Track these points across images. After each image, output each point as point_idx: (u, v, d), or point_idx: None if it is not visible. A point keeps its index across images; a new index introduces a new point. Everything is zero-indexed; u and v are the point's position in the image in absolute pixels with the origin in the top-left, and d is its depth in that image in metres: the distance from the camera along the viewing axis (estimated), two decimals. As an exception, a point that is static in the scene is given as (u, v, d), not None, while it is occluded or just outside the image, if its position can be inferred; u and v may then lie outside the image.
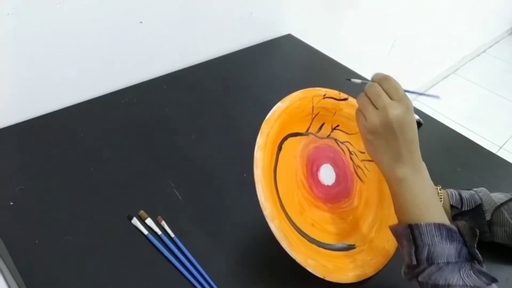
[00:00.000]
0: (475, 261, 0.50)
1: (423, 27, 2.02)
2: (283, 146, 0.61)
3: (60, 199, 0.67)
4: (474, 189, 0.68)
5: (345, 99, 0.67)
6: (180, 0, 0.93)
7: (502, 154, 2.09)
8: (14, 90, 0.78)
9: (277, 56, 1.16)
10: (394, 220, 0.64)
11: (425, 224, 0.51)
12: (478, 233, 0.51)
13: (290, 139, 0.63)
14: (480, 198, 0.65)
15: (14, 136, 0.77)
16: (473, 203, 0.65)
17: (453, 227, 0.51)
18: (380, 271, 0.62)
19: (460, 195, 0.66)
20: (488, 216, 0.64)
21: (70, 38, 0.80)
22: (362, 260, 0.61)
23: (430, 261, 0.49)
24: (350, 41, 1.58)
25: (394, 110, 0.51)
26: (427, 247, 0.50)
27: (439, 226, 0.50)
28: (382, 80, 0.53)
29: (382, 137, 0.53)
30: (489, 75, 2.87)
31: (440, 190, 0.67)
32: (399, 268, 0.55)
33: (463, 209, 0.65)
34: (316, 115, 0.65)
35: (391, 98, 0.52)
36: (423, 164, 0.55)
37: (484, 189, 0.67)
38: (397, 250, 0.63)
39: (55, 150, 0.75)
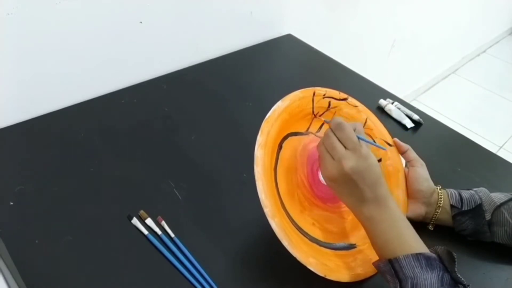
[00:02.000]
0: (460, 286, 0.49)
1: (423, 27, 2.02)
2: (283, 145, 0.61)
3: (60, 199, 0.67)
4: (474, 189, 0.68)
5: (344, 99, 0.67)
6: (180, 0, 0.93)
7: (502, 154, 2.09)
8: (14, 90, 0.78)
9: (277, 56, 1.16)
10: None
11: (403, 256, 0.51)
12: (455, 257, 0.50)
13: (290, 138, 0.63)
14: (480, 198, 0.65)
15: (14, 136, 0.77)
16: (473, 203, 0.65)
17: (432, 254, 0.51)
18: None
19: (460, 195, 0.66)
20: (488, 216, 0.64)
21: (70, 38, 0.80)
22: (362, 259, 0.61)
23: None
24: (350, 41, 1.58)
25: (349, 162, 0.53)
26: (409, 279, 0.50)
27: (418, 256, 0.50)
28: (336, 129, 0.55)
29: (343, 184, 0.55)
30: (489, 75, 2.87)
31: (440, 190, 0.67)
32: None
33: (463, 209, 0.65)
34: (316, 114, 0.65)
35: (345, 147, 0.54)
36: (390, 197, 0.56)
37: (484, 189, 0.67)
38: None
39: (55, 150, 0.76)
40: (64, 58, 0.81)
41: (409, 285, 0.50)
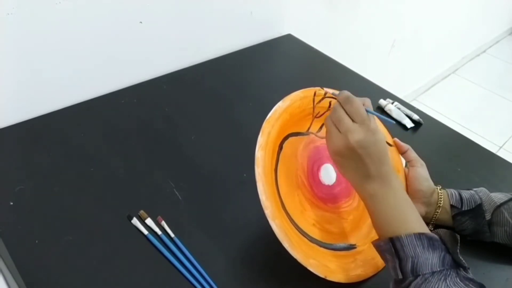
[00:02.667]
0: (461, 268, 0.49)
1: (423, 27, 2.02)
2: (284, 145, 0.61)
3: (60, 199, 0.67)
4: (474, 189, 0.68)
5: None
6: (180, 0, 0.93)
7: (502, 154, 2.09)
8: (14, 90, 0.78)
9: (277, 56, 1.16)
10: None
11: (405, 235, 0.50)
12: (459, 239, 0.50)
13: (291, 139, 0.63)
14: (480, 198, 0.65)
15: (14, 136, 0.77)
16: (473, 203, 0.65)
17: (434, 235, 0.51)
18: (380, 270, 0.62)
19: (460, 195, 0.66)
20: (488, 216, 0.64)
21: (70, 38, 0.80)
22: (363, 260, 0.61)
23: (415, 273, 0.49)
24: (350, 41, 1.58)
25: (355, 135, 0.52)
26: (410, 259, 0.49)
27: (420, 236, 0.50)
28: (344, 102, 0.54)
29: (348, 158, 0.54)
30: (489, 75, 2.87)
31: (440, 190, 0.67)
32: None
33: (463, 209, 0.65)
34: (317, 114, 0.65)
35: (353, 121, 0.53)
36: (395, 176, 0.55)
37: (484, 189, 0.67)
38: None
39: (55, 150, 0.76)
40: (64, 58, 0.81)
41: (409, 264, 0.49)
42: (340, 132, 0.54)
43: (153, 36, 0.93)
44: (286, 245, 0.53)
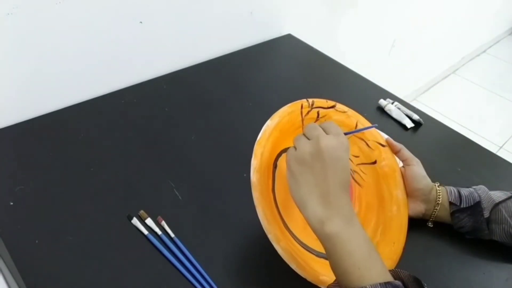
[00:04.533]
0: None
1: (423, 27, 2.02)
2: (278, 163, 0.61)
3: (60, 199, 0.67)
4: (473, 186, 0.68)
5: (332, 107, 0.66)
6: (180, 0, 0.93)
7: (502, 154, 2.09)
8: (14, 90, 0.78)
9: (277, 56, 1.16)
10: (397, 222, 0.64)
11: (371, 286, 0.43)
12: (424, 284, 0.45)
13: (284, 155, 0.62)
14: (479, 196, 0.65)
15: (14, 136, 0.77)
16: (471, 200, 0.65)
17: (398, 282, 0.44)
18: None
19: (459, 192, 0.67)
20: (486, 214, 0.64)
21: (70, 38, 0.80)
22: None
23: None
24: (350, 41, 1.58)
25: (327, 140, 0.48)
26: None
27: (386, 285, 0.43)
28: (322, 123, 0.52)
29: (308, 168, 0.48)
30: (489, 75, 2.87)
31: (438, 186, 0.67)
32: (407, 269, 0.55)
33: (462, 206, 0.65)
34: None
35: (326, 133, 0.50)
36: (354, 214, 0.48)
37: (483, 187, 0.68)
38: (404, 251, 0.63)
39: (55, 150, 0.76)
40: (64, 58, 0.81)
41: None
42: (308, 139, 0.50)
43: (153, 36, 0.93)
44: (293, 266, 0.53)
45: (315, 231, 0.48)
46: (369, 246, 0.47)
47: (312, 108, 0.64)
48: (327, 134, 0.50)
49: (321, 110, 0.65)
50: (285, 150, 0.63)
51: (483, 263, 0.68)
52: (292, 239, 0.57)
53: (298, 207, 0.49)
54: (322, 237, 0.47)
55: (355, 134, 0.67)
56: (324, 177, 0.47)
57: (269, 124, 0.59)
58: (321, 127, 0.51)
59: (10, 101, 0.78)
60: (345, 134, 0.52)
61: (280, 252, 0.53)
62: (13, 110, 0.79)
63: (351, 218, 0.48)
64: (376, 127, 0.63)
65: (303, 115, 0.63)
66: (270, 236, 0.53)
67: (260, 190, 0.54)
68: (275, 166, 0.61)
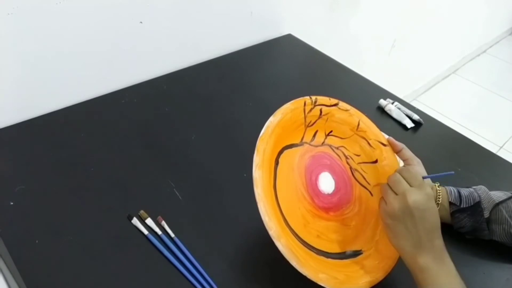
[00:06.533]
0: None
1: (423, 27, 2.02)
2: (279, 160, 0.61)
3: (60, 199, 0.67)
4: (473, 186, 0.68)
5: (335, 105, 0.67)
6: (180, 0, 0.93)
7: (502, 154, 2.09)
8: (14, 90, 0.78)
9: (277, 56, 1.16)
10: None
11: None
12: None
13: (286, 152, 0.62)
14: (479, 196, 0.65)
15: (14, 136, 0.77)
16: (471, 200, 0.65)
17: None
18: (389, 274, 0.62)
19: (459, 192, 0.67)
20: (486, 214, 0.64)
21: (70, 38, 0.80)
22: (370, 265, 0.61)
23: None
24: (350, 41, 1.58)
25: (413, 196, 0.53)
26: None
27: None
28: (402, 171, 0.57)
29: (401, 222, 0.54)
30: (489, 75, 2.87)
31: (438, 187, 0.67)
32: (407, 268, 0.55)
33: (462, 206, 0.65)
34: (309, 124, 0.65)
35: (410, 185, 0.54)
36: (447, 254, 0.54)
37: (483, 187, 0.68)
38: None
39: (55, 150, 0.76)
40: (64, 58, 0.81)
41: None
42: (396, 194, 0.55)
43: (153, 36, 0.93)
44: (294, 263, 0.53)
45: (410, 267, 0.55)
46: (458, 283, 0.52)
47: (315, 106, 0.64)
48: (411, 186, 0.54)
49: (324, 108, 0.65)
50: (287, 147, 0.63)
51: (483, 263, 0.68)
52: (292, 236, 0.57)
53: (396, 249, 0.57)
54: (415, 270, 0.54)
55: (358, 133, 0.67)
56: (415, 229, 0.53)
57: (272, 121, 0.59)
58: (403, 178, 0.55)
59: (10, 101, 0.78)
60: (424, 178, 0.56)
61: (280, 248, 0.53)
62: (13, 110, 0.79)
63: (442, 257, 0.54)
64: (453, 174, 0.64)
65: (306, 112, 0.63)
66: (271, 233, 0.53)
67: (262, 186, 0.54)
68: (276, 163, 0.61)
